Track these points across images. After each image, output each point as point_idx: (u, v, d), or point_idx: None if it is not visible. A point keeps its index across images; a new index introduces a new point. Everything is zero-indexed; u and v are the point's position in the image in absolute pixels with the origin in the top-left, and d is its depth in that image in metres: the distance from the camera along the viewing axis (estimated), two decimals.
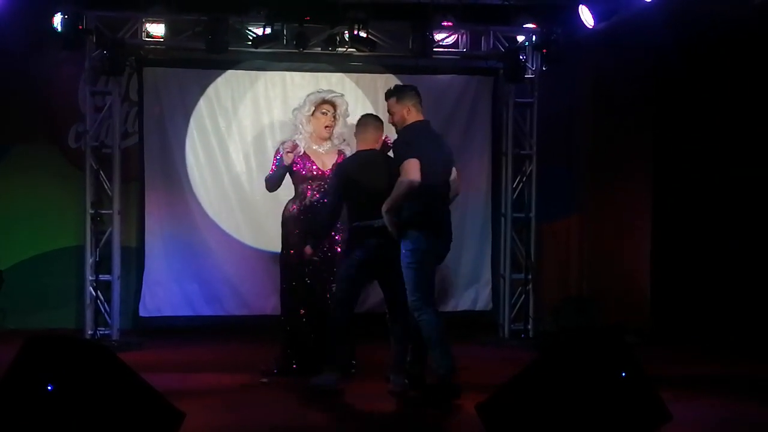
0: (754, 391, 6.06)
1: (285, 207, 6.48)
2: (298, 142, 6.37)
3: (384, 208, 5.43)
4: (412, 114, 5.62)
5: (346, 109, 6.49)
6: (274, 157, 6.47)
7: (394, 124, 5.75)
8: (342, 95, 6.52)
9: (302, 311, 6.35)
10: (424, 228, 5.44)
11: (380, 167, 5.78)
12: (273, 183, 6.47)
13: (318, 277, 6.35)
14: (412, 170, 5.32)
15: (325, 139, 6.41)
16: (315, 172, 6.32)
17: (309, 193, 6.34)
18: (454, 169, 5.74)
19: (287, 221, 6.42)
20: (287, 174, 6.42)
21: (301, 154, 6.34)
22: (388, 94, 5.76)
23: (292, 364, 6.35)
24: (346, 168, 5.97)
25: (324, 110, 6.37)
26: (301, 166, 6.34)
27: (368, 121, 6.04)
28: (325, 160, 6.36)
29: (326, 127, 6.37)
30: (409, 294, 5.48)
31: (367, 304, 6.66)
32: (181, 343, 7.75)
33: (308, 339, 6.32)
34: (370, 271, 5.89)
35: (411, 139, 5.52)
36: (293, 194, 6.46)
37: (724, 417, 5.38)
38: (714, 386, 6.19)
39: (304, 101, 6.45)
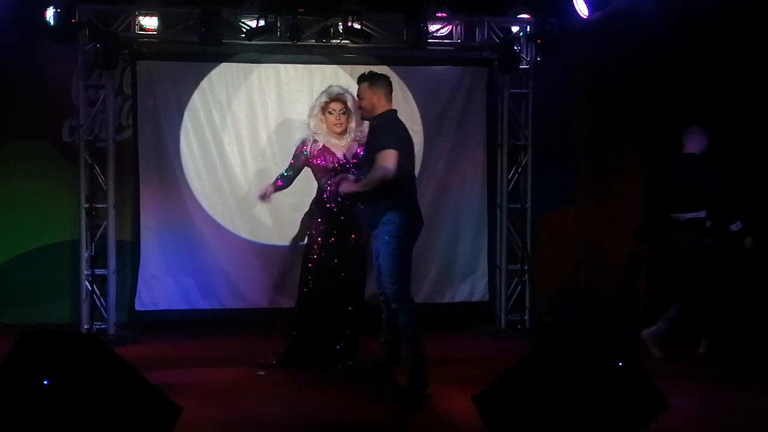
0: (750, 380, 6.07)
1: (312, 200, 6.61)
2: (317, 138, 6.43)
3: (358, 187, 5.55)
4: (382, 102, 5.69)
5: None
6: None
7: (361, 108, 5.84)
8: (345, 91, 6.46)
9: (318, 311, 6.40)
10: (407, 215, 5.55)
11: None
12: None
13: (342, 269, 6.42)
14: (391, 160, 5.40)
15: (341, 134, 6.45)
16: (336, 164, 6.37)
17: (330, 187, 6.35)
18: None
19: (313, 213, 6.54)
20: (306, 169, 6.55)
21: (320, 148, 6.42)
22: (361, 79, 5.79)
23: (293, 358, 6.39)
24: None
25: (330, 110, 6.41)
26: (322, 159, 6.41)
27: None
28: (345, 152, 6.44)
29: (335, 125, 6.41)
30: (393, 282, 5.52)
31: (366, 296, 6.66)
32: (178, 336, 7.74)
33: (317, 337, 6.40)
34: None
35: (392, 128, 5.60)
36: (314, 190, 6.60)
37: (721, 406, 5.40)
38: (710, 376, 6.20)
39: (313, 105, 6.53)
